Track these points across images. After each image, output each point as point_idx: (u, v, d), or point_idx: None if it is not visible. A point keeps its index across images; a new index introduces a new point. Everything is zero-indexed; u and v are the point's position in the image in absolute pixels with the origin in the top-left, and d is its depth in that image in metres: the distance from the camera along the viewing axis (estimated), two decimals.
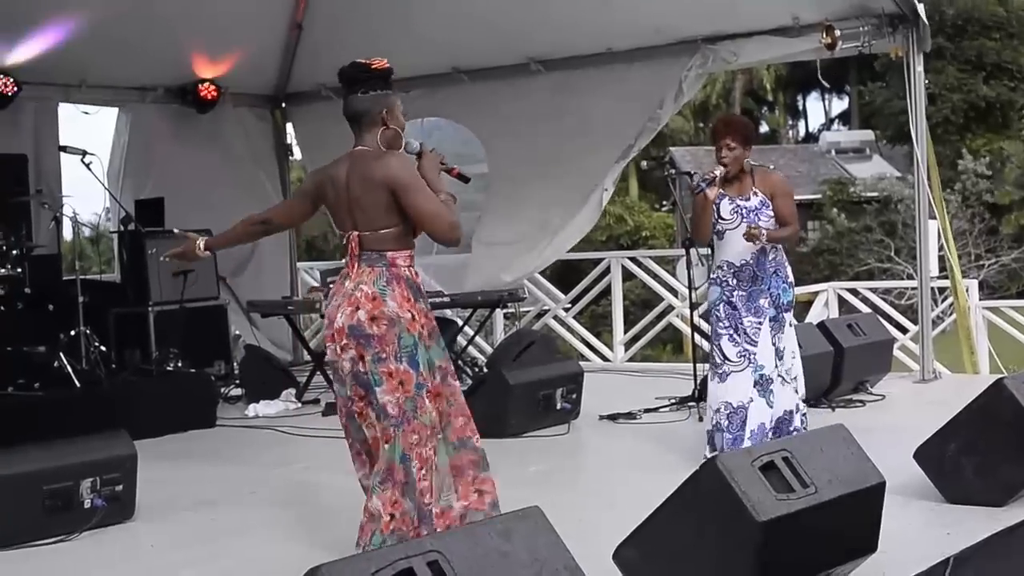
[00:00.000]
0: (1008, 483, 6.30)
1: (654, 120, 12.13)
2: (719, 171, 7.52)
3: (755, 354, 7.51)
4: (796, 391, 7.69)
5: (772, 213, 7.60)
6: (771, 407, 7.53)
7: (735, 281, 7.59)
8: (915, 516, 6.28)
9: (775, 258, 7.66)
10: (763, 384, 7.52)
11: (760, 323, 7.54)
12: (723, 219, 7.60)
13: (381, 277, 5.35)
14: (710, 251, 8.20)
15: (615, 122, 12.19)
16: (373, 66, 5.52)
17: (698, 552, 4.61)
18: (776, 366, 7.58)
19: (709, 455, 7.40)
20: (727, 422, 7.47)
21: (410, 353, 5.34)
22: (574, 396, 9.41)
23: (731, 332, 7.55)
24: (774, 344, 7.59)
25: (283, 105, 14.61)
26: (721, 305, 7.61)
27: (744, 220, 7.54)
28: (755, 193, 7.61)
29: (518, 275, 12.90)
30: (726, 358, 7.53)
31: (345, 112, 5.59)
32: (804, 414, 7.72)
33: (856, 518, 4.96)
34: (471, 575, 3.67)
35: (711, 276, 7.81)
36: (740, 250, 7.58)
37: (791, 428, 7.59)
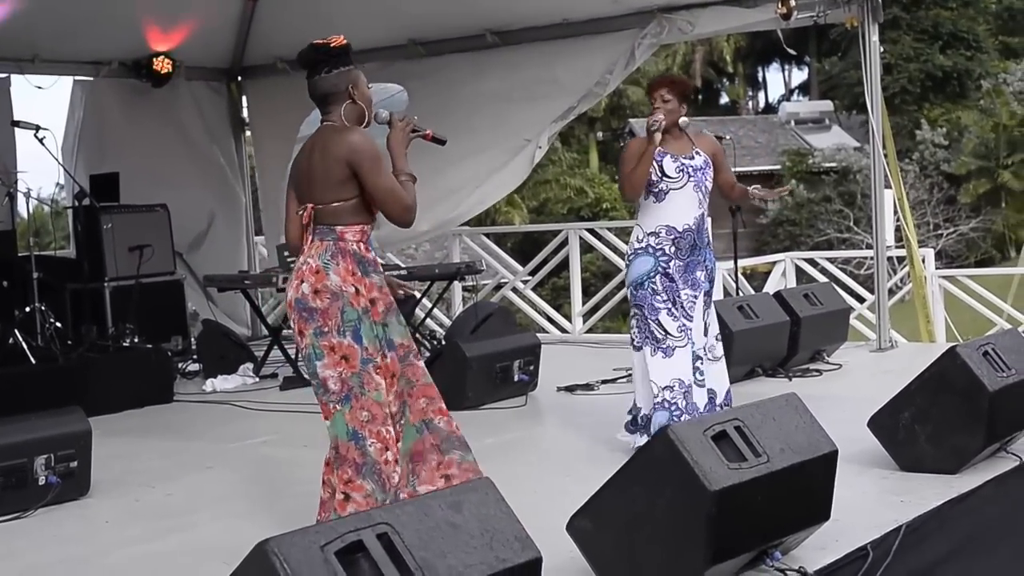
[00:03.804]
0: (960, 450, 6.34)
1: (601, 85, 12.08)
2: (661, 116, 7.06)
3: (691, 330, 7.07)
4: (724, 370, 7.39)
5: (713, 175, 7.26)
6: (701, 387, 7.12)
7: (673, 249, 7.07)
8: (869, 484, 6.30)
9: (708, 229, 7.30)
10: (696, 362, 7.14)
11: (696, 297, 7.11)
12: (668, 177, 7.10)
13: (327, 251, 5.32)
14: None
15: (561, 83, 12.14)
16: (332, 45, 5.46)
17: (651, 522, 4.62)
18: (703, 343, 7.20)
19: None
20: (683, 401, 6.98)
21: (354, 327, 5.29)
22: (532, 368, 9.42)
23: (670, 306, 7.04)
24: (704, 320, 7.21)
25: (239, 79, 14.53)
26: (657, 277, 7.05)
27: (691, 179, 7.10)
28: (698, 153, 7.22)
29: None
30: (668, 332, 7.02)
31: (312, 94, 5.55)
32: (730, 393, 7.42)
33: (809, 486, 4.98)
34: (421, 547, 3.67)
35: (640, 244, 7.17)
36: (684, 213, 7.11)
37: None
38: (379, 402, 5.29)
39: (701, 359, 7.14)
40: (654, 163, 7.09)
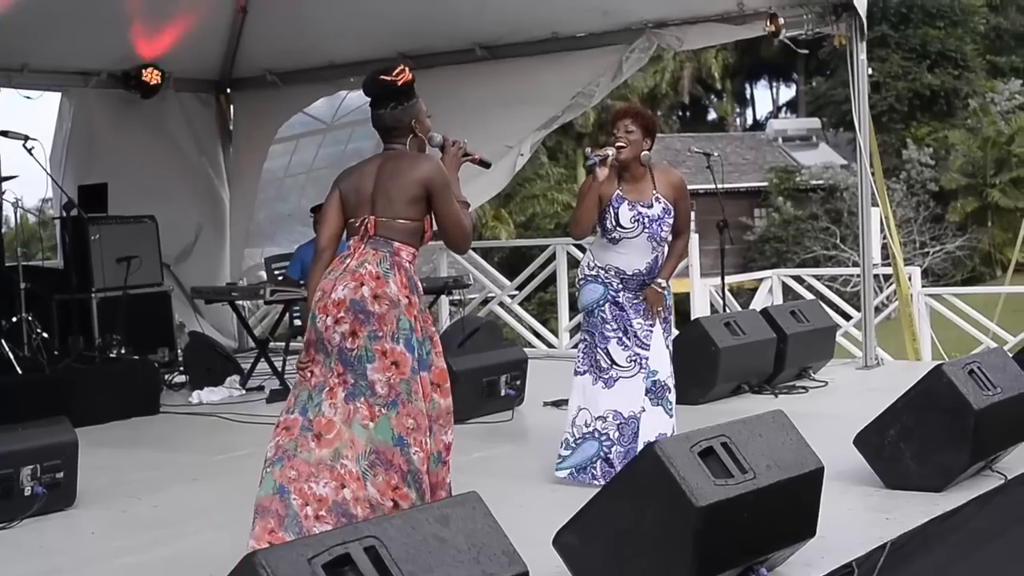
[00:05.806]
0: (946, 468, 6.36)
1: (585, 96, 12.12)
2: (611, 151, 6.85)
3: (647, 359, 6.87)
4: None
5: (671, 220, 7.02)
6: (670, 416, 6.90)
7: (619, 284, 6.95)
8: (854, 501, 6.32)
9: (661, 260, 7.07)
10: (657, 391, 6.89)
11: (651, 325, 6.92)
12: (622, 227, 6.91)
13: (385, 260, 5.46)
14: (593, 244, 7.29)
15: (545, 91, 12.22)
16: (399, 83, 5.64)
17: (637, 537, 4.62)
18: (672, 371, 7.00)
19: (565, 470, 6.93)
20: (617, 433, 6.80)
21: (407, 336, 5.41)
22: (518, 382, 9.43)
23: (620, 335, 6.88)
24: (668, 347, 7.01)
25: (227, 90, 14.52)
26: (607, 305, 6.92)
27: (645, 230, 6.89)
28: (657, 199, 6.95)
29: None
30: (614, 363, 6.86)
31: (376, 125, 5.74)
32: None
33: (795, 503, 5.00)
34: (408, 560, 3.68)
35: (590, 271, 7.04)
36: (635, 260, 6.95)
37: None
38: (422, 411, 5.39)
39: (671, 390, 6.96)
40: (610, 210, 6.93)
